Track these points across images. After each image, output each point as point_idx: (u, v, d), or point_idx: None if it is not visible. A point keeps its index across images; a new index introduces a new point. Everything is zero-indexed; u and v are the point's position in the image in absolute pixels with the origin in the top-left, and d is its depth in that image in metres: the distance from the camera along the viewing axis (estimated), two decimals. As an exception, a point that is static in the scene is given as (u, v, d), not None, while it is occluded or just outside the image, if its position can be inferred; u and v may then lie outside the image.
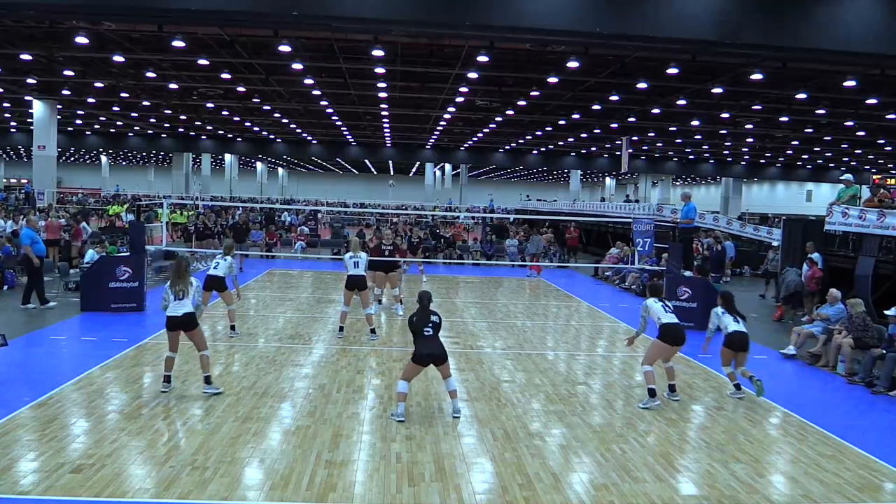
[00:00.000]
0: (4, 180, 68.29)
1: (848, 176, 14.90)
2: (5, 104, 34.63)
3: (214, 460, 5.83)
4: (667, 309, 8.23)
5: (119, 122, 40.32)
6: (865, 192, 14.29)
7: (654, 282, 9.33)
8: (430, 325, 7.11)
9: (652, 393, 7.97)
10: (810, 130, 31.74)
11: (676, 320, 8.19)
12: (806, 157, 45.34)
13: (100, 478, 5.38)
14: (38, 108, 30.58)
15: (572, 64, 17.72)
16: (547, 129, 35.05)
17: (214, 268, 10.67)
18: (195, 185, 54.63)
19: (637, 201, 51.21)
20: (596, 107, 26.74)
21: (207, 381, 7.71)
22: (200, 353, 7.72)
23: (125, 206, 33.19)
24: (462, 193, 61.12)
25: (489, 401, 7.91)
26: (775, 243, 21.17)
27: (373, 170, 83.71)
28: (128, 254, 13.28)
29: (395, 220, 31.31)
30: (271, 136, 46.56)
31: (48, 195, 31.60)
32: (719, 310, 8.64)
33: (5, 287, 14.53)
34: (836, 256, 14.41)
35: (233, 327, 10.82)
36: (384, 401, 7.71)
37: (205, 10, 12.31)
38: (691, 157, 49.37)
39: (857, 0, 12.73)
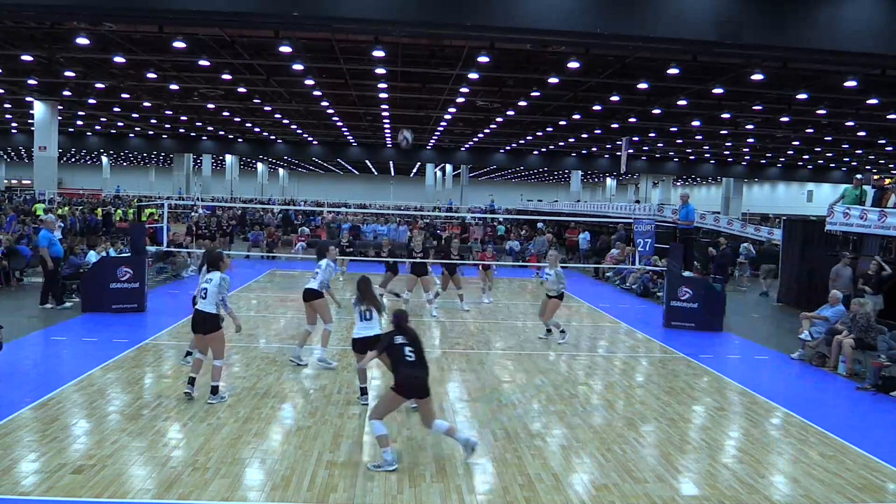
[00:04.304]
0: (6, 181, 68.35)
1: (858, 176, 14.89)
2: (6, 105, 34.69)
3: (215, 461, 5.83)
4: None
5: (120, 123, 40.36)
6: (869, 193, 14.21)
7: None
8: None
9: None
10: (811, 131, 31.74)
11: None
12: (807, 157, 45.34)
13: (101, 478, 5.39)
14: (38, 108, 30.62)
15: (573, 64, 17.74)
16: (547, 129, 35.06)
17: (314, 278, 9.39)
18: (196, 185, 54.64)
19: (638, 202, 51.25)
20: (596, 107, 26.77)
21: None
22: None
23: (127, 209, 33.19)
24: (463, 194, 61.12)
25: (490, 401, 7.91)
26: (742, 258, 20.62)
27: (373, 170, 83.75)
28: (129, 254, 13.27)
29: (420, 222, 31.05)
30: (272, 137, 46.60)
31: (49, 196, 31.61)
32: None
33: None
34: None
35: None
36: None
37: (205, 11, 12.29)
38: (692, 157, 49.38)
39: (857, 0, 12.73)
